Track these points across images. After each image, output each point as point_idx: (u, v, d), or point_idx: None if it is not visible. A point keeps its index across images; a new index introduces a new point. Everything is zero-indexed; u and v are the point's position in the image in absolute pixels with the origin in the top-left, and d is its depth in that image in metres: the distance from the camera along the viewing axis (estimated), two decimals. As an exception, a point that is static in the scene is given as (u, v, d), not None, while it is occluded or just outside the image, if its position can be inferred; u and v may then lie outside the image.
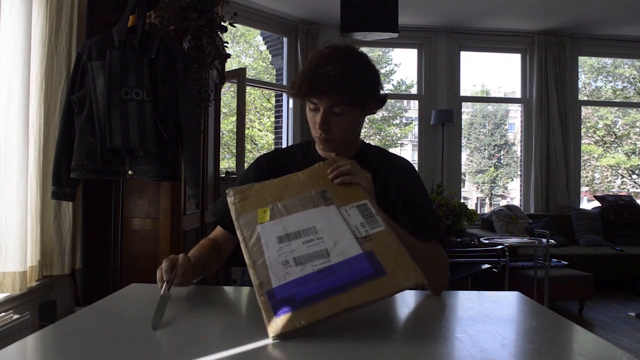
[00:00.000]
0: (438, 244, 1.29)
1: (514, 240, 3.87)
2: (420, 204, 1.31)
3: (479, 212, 8.69)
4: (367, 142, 1.43)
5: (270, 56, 5.96)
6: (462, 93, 5.98)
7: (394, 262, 0.92)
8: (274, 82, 5.93)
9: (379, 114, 10.69)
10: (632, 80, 9.95)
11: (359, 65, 1.21)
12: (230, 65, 8.58)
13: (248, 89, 5.46)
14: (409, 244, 1.02)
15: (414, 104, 6.76)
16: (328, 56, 1.19)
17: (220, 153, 3.76)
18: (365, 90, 1.20)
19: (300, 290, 0.89)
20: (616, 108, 10.41)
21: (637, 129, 10.26)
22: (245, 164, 4.79)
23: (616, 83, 10.18)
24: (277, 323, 0.85)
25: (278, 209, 1.06)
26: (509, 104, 10.54)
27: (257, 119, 10.70)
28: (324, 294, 0.88)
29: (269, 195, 1.10)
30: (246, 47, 10.62)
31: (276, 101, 5.91)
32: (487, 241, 3.95)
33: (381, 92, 1.28)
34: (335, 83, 1.15)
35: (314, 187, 1.10)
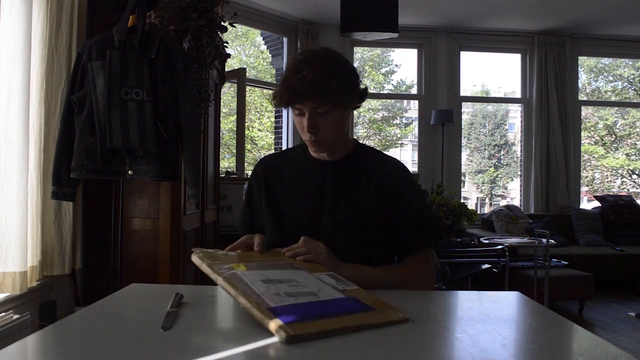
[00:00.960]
0: (427, 252, 1.34)
1: (514, 240, 3.87)
2: (418, 211, 1.34)
3: (479, 212, 8.69)
4: (363, 142, 1.44)
5: (270, 56, 5.96)
6: (462, 93, 5.98)
7: (378, 305, 0.98)
8: (274, 82, 5.93)
9: (379, 114, 10.69)
10: (631, 80, 9.95)
11: (333, 65, 1.24)
12: (231, 65, 8.57)
13: (248, 88, 5.46)
14: (385, 280, 1.19)
15: (414, 104, 6.77)
16: (303, 62, 1.22)
17: (220, 153, 3.76)
18: (343, 87, 1.23)
19: (301, 311, 0.88)
20: (616, 108, 10.41)
21: (638, 129, 10.26)
22: (246, 164, 4.80)
23: (616, 83, 10.17)
24: (287, 326, 0.82)
25: (252, 266, 1.06)
26: (509, 104, 10.55)
27: (257, 119, 10.70)
28: (327, 315, 0.89)
29: (238, 258, 1.11)
30: (247, 47, 10.62)
31: (276, 101, 5.89)
32: (487, 241, 3.95)
33: (361, 86, 1.31)
34: (314, 86, 1.18)
35: (280, 260, 1.15)
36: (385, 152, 1.46)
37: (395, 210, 1.30)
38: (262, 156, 1.52)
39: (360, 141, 1.51)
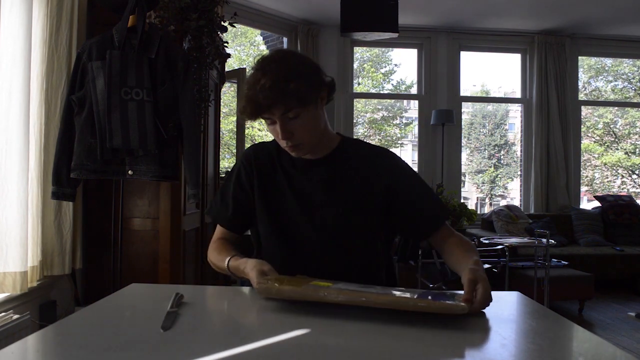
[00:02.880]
0: (447, 225, 1.34)
1: (514, 240, 3.87)
2: (423, 193, 1.34)
3: (479, 212, 8.69)
4: (347, 136, 1.42)
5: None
6: (462, 93, 5.98)
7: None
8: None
9: (379, 114, 10.68)
10: (632, 80, 9.94)
11: (290, 66, 1.19)
12: (231, 65, 8.57)
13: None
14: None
15: (414, 104, 6.76)
16: (260, 70, 1.18)
17: (220, 153, 3.76)
18: (306, 86, 1.18)
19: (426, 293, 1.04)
20: (615, 108, 10.40)
21: (637, 129, 10.25)
22: (245, 164, 4.79)
23: (616, 83, 10.16)
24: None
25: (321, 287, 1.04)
26: (509, 104, 10.53)
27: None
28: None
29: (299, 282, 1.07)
30: (247, 47, 10.62)
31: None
32: (487, 241, 3.95)
33: (326, 78, 1.26)
34: (275, 93, 1.14)
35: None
36: (370, 142, 1.44)
37: (398, 198, 1.29)
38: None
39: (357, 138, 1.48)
